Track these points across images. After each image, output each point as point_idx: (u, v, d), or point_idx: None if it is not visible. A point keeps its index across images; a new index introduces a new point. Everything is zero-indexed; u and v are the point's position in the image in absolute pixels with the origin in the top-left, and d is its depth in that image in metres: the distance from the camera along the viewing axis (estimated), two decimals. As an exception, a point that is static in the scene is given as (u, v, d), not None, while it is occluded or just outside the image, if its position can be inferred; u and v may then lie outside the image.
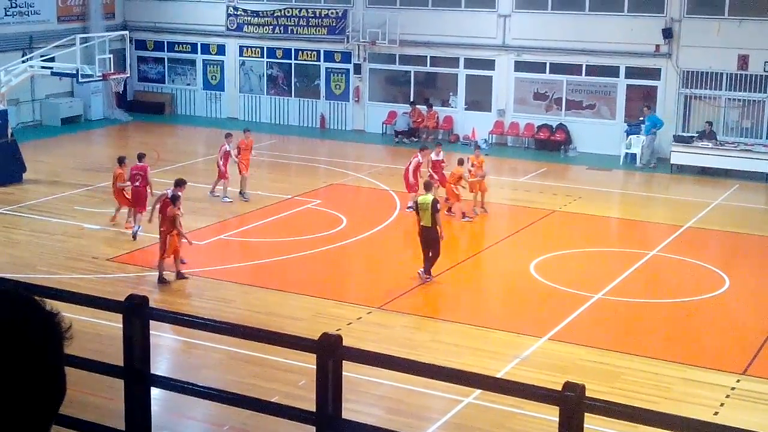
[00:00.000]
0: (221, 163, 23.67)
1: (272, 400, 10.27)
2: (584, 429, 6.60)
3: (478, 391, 12.24)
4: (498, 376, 13.96)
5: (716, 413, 13.10)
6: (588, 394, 9.65)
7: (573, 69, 32.90)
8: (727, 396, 13.73)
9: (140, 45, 39.27)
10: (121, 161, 21.39)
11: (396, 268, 19.04)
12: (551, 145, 32.80)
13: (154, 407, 6.29)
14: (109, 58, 29.11)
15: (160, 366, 13.72)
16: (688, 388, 14.02)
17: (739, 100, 31.07)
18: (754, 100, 30.77)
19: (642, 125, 30.68)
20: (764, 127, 30.68)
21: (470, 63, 34.40)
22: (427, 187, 18.69)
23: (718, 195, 26.30)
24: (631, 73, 32.25)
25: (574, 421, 6.26)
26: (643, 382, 14.16)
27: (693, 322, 16.91)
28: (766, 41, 29.75)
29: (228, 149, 23.87)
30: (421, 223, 17.87)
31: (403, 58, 35.34)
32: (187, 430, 13.11)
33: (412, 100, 34.99)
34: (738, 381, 14.23)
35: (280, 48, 37.42)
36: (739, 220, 24.04)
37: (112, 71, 29.01)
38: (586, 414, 6.79)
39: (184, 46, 39.08)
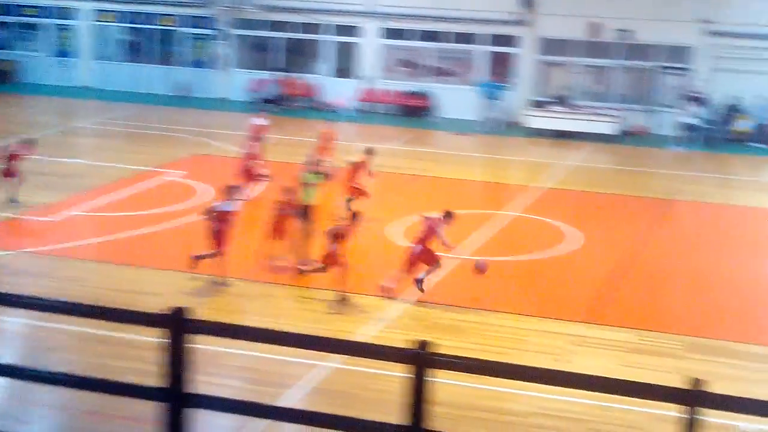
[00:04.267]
0: None
1: (123, 381, 9.85)
2: (434, 383, 6.92)
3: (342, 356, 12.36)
4: (364, 340, 14.27)
5: (564, 360, 13.77)
6: (448, 350, 10.06)
7: (437, 36, 33.36)
8: (575, 343, 14.44)
9: (-20, 8, 36.41)
10: None
11: (259, 237, 18.88)
12: (416, 111, 33.30)
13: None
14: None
15: (3, 353, 12.81)
16: (543, 339, 14.58)
17: (592, 66, 32.19)
18: (605, 67, 31.93)
19: (495, 90, 31.42)
20: (614, 92, 31.90)
21: (337, 30, 34.44)
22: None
23: (571, 156, 27.30)
24: (492, 40, 32.93)
25: (423, 377, 6.63)
26: (502, 336, 14.64)
27: (549, 277, 17.58)
28: (617, 10, 30.85)
29: None
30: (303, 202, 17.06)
31: (270, 24, 34.99)
32: (36, 419, 11.78)
33: (279, 67, 34.79)
34: (585, 329, 14.98)
35: (138, 12, 36.03)
36: (592, 179, 25.09)
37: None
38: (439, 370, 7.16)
39: (32, 9, 36.73)
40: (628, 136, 30.33)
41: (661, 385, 6.93)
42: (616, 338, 14.67)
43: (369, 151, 20.18)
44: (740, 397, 8.76)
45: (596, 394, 10.95)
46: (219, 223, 15.71)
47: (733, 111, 30.03)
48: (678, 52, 30.85)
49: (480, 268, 15.82)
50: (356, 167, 19.90)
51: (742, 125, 29.86)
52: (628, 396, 7.45)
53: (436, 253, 15.90)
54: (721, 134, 29.68)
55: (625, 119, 30.58)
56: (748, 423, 11.56)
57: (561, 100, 30.88)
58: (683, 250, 19.16)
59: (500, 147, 29.31)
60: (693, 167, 27.04)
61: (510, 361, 12.90)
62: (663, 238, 20.00)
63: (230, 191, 16.09)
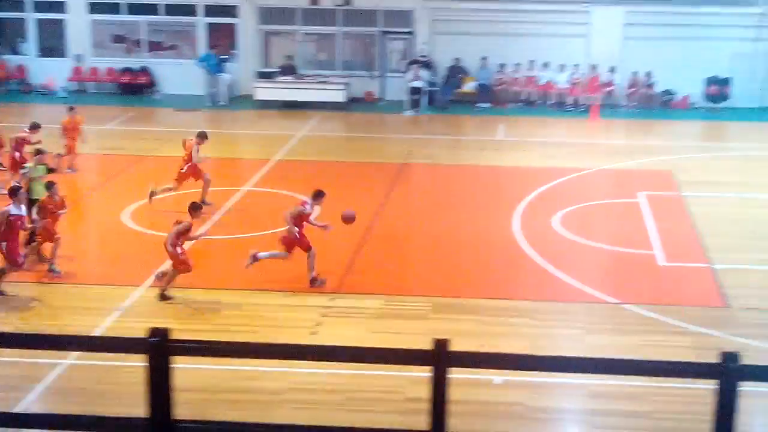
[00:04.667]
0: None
1: None
2: (178, 370, 6.66)
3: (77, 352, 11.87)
4: (98, 332, 13.65)
5: (314, 333, 13.82)
6: (190, 335, 9.73)
7: (151, 9, 32.35)
8: (324, 315, 14.51)
9: None
10: None
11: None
12: (135, 88, 32.19)
13: None
14: None
15: None
16: (291, 314, 14.57)
17: (314, 34, 32.41)
18: (329, 34, 32.25)
19: (218, 63, 30.92)
20: (339, 60, 32.32)
21: (39, 6, 32.61)
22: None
23: (301, 127, 27.43)
24: (210, 11, 32.35)
25: (161, 365, 6.32)
26: (244, 314, 14.51)
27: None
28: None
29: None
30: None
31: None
32: None
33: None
34: (332, 299, 15.08)
35: None
36: (324, 148, 25.32)
37: None
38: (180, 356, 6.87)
39: None
40: (357, 103, 30.87)
41: (405, 349, 6.99)
42: (363, 305, 14.92)
43: (200, 135, 19.77)
44: (484, 353, 9.08)
45: (347, 363, 11.04)
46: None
47: (458, 73, 31.27)
48: (399, 17, 31.69)
49: (347, 219, 15.94)
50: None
51: (467, 86, 31.16)
52: (376, 363, 7.46)
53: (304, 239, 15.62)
54: (447, 96, 30.83)
55: (353, 86, 31.08)
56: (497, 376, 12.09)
57: (287, 70, 30.90)
58: (420, 213, 19.73)
59: (228, 121, 28.94)
60: (423, 130, 27.94)
61: (259, 340, 12.81)
62: (400, 203, 20.52)
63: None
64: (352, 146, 26.07)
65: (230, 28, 32.44)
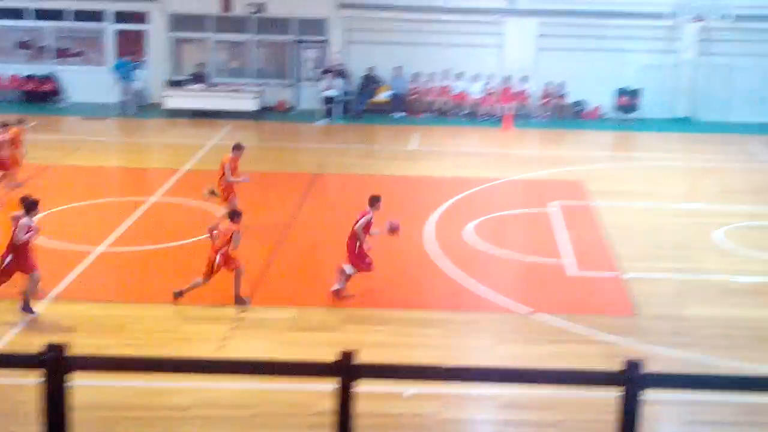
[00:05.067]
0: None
1: None
2: (75, 387, 6.49)
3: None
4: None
5: (222, 347, 13.65)
6: (96, 349, 9.55)
7: (57, 15, 31.73)
8: (233, 328, 14.35)
9: None
10: None
11: None
12: (40, 96, 31.54)
13: None
14: None
15: None
16: (200, 327, 14.37)
17: (227, 41, 32.18)
18: (241, 42, 32.06)
19: (128, 70, 30.49)
20: (252, 68, 32.14)
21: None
22: None
23: (212, 136, 27.17)
24: (119, 17, 31.88)
25: (57, 382, 6.17)
26: (152, 328, 14.30)
27: (199, 262, 17.30)
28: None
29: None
30: None
31: None
32: None
33: None
34: (242, 312, 14.93)
35: None
36: (235, 158, 25.12)
37: None
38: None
39: None
40: (271, 112, 30.73)
41: (310, 362, 6.94)
42: (274, 317, 14.82)
43: (238, 148, 18.96)
44: (390, 364, 9.06)
45: (256, 377, 10.90)
46: None
47: (371, 82, 31.35)
48: (314, 25, 31.65)
49: (393, 229, 15.80)
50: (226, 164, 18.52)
51: (382, 96, 31.26)
52: (281, 376, 7.40)
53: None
54: (362, 105, 30.89)
55: (267, 95, 30.93)
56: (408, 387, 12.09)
57: (198, 78, 30.60)
58: (335, 223, 19.68)
59: (137, 130, 28.54)
60: (337, 140, 27.93)
61: (165, 354, 12.60)
62: (313, 213, 20.45)
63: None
64: (264, 156, 25.90)
65: (139, 35, 32.01)
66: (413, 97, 31.20)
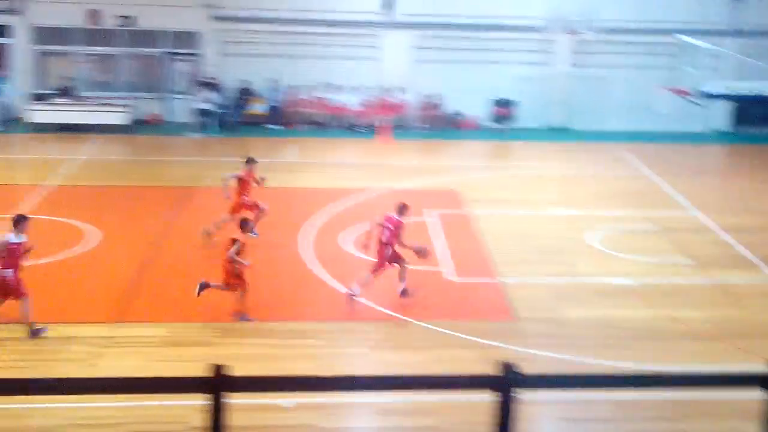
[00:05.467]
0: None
1: None
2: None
3: None
4: None
5: (93, 365, 13.25)
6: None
7: None
8: (105, 346, 13.96)
9: None
10: None
11: None
12: None
13: None
14: None
15: None
16: (67, 346, 13.95)
17: (95, 54, 31.51)
18: (110, 55, 31.43)
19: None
20: (122, 81, 31.54)
21: None
22: None
23: (80, 150, 26.52)
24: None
25: None
26: (20, 349, 13.83)
27: (68, 279, 16.82)
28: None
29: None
30: None
31: None
32: None
33: None
34: (113, 329, 14.55)
35: None
36: (106, 173, 24.54)
37: None
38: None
39: None
40: (142, 126, 30.18)
41: (181, 377, 6.80)
42: (147, 334, 14.50)
43: (251, 162, 18.88)
44: (262, 377, 8.96)
45: (131, 395, 10.66)
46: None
47: (246, 94, 31.14)
48: (186, 38, 31.27)
49: (422, 253, 15.98)
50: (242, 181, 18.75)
51: (256, 108, 31.07)
52: (152, 392, 7.22)
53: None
54: (237, 118, 30.63)
55: (138, 108, 30.39)
56: (288, 399, 11.97)
57: (65, 92, 29.85)
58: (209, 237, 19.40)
59: (0, 145, 27.61)
60: (212, 153, 27.61)
61: (33, 375, 12.17)
62: (187, 227, 20.10)
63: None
64: (136, 170, 25.41)
65: (2, 48, 31.07)
66: (290, 109, 31.10)
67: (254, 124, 30.71)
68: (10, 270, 14.13)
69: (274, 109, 30.93)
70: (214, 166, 25.70)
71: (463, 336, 14.73)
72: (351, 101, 31.14)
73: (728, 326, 15.58)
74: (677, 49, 22.52)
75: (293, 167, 25.80)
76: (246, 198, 18.92)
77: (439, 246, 18.98)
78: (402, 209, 16.11)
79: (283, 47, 31.18)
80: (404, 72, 31.41)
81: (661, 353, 14.46)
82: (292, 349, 14.09)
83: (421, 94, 31.18)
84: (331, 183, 23.85)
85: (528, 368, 12.95)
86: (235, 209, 18.62)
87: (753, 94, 22.27)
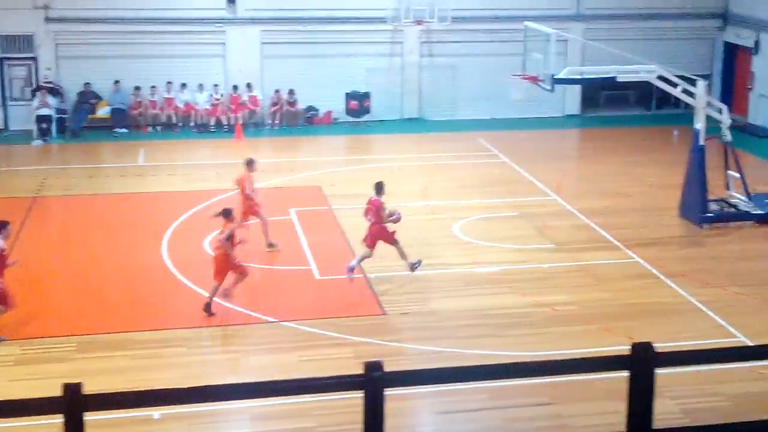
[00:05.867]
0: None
1: None
2: None
3: None
4: None
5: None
6: None
7: None
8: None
9: None
10: None
11: None
12: None
13: None
14: None
15: None
16: None
17: None
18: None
19: None
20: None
21: None
22: None
23: None
24: None
25: None
26: None
27: None
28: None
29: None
30: None
31: None
32: None
33: None
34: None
35: None
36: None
37: None
38: None
39: None
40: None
41: (34, 399, 6.44)
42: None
43: (250, 163, 18.87)
44: (119, 392, 8.63)
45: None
46: None
47: (89, 98, 30.14)
48: (20, 41, 30.03)
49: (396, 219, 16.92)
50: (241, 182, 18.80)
51: (101, 112, 30.11)
52: (5, 417, 6.81)
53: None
54: (80, 123, 29.62)
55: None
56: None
57: None
58: (59, 247, 18.76)
59: None
60: (56, 160, 26.66)
61: None
62: (33, 239, 19.33)
63: None
64: (-27, 182, 24.25)
65: None
66: (136, 111, 30.28)
67: (99, 129, 29.77)
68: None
69: (119, 112, 30.03)
70: (59, 173, 24.81)
71: (334, 334, 14.62)
72: (199, 100, 30.56)
73: (594, 308, 15.97)
74: (525, 36, 22.92)
75: (143, 171, 25.11)
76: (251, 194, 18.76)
77: (305, 244, 18.80)
78: (379, 188, 16.97)
79: (125, 47, 30.32)
80: (253, 68, 31.03)
81: (533, 339, 14.71)
82: (157, 359, 13.69)
83: (273, 91, 30.86)
84: (187, 185, 23.33)
85: (401, 363, 12.98)
86: (247, 211, 18.58)
87: (598, 77, 22.87)
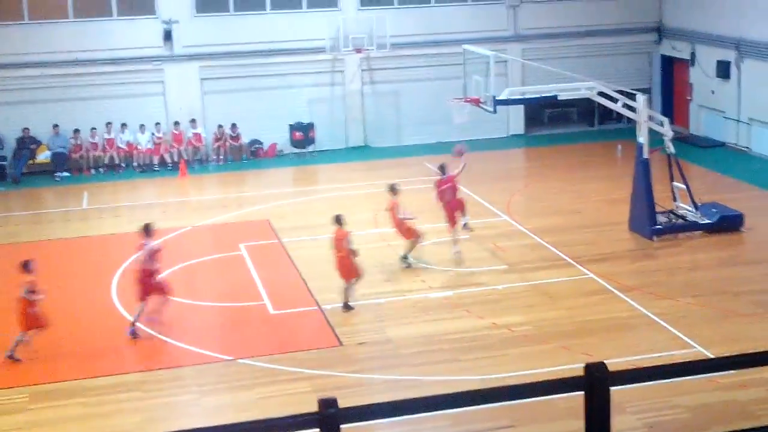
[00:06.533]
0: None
1: None
2: None
3: None
4: None
5: None
6: None
7: None
8: None
9: None
10: None
11: None
12: None
13: None
14: None
15: None
16: None
17: None
18: None
19: None
20: None
21: None
22: None
23: None
24: None
25: None
26: None
27: None
28: None
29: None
30: None
31: None
32: None
33: None
34: None
35: None
36: None
37: None
38: None
39: None
40: None
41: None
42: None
43: (393, 189, 19.73)
44: None
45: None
46: None
47: (29, 143, 29.89)
48: (-47, 89, 29.73)
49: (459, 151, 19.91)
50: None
51: (41, 157, 29.87)
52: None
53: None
54: (19, 169, 29.35)
55: None
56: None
57: None
58: (5, 297, 18.50)
59: None
60: (-2, 208, 26.35)
61: None
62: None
63: None
64: None
65: None
66: (77, 154, 30.07)
67: (40, 174, 29.52)
68: None
69: (59, 156, 29.80)
70: (1, 221, 24.55)
71: (292, 369, 14.63)
72: (141, 140, 30.44)
73: (551, 327, 16.16)
74: (465, 59, 23.19)
75: (87, 214, 24.94)
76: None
77: (257, 279, 18.80)
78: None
79: (63, 90, 30.15)
80: (194, 105, 31.01)
81: (491, 362, 14.84)
82: (115, 405, 13.60)
83: (216, 126, 30.85)
84: (133, 227, 23.12)
85: (361, 393, 13.02)
86: (406, 234, 19.72)
87: (539, 96, 23.23)
